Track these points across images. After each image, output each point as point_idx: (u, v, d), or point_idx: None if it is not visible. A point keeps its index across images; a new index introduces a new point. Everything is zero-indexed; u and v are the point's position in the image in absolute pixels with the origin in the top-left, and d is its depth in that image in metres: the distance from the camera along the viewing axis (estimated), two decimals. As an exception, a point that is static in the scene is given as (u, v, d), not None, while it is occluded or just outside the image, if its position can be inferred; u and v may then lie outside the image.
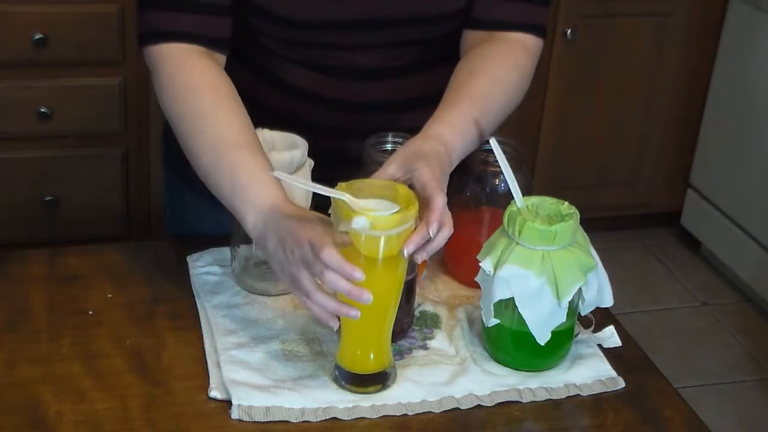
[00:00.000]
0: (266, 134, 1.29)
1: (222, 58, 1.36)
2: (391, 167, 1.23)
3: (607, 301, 1.26)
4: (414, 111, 1.42)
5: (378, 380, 1.18)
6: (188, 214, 1.56)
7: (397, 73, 1.45)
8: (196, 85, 1.29)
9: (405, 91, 1.47)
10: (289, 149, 1.30)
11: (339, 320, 1.14)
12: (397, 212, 1.10)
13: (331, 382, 1.18)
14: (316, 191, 1.13)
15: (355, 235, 1.09)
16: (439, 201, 1.15)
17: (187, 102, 1.29)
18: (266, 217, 1.18)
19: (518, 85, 1.41)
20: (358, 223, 1.07)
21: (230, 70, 1.36)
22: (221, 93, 1.29)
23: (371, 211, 1.09)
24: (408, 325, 1.27)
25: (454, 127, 1.30)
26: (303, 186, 1.15)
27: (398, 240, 1.10)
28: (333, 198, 1.11)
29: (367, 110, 1.46)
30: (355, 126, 1.44)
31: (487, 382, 1.21)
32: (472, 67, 1.38)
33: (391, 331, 1.18)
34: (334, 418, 1.14)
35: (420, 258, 1.15)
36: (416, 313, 1.31)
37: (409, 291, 1.24)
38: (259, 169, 1.22)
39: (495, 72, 1.38)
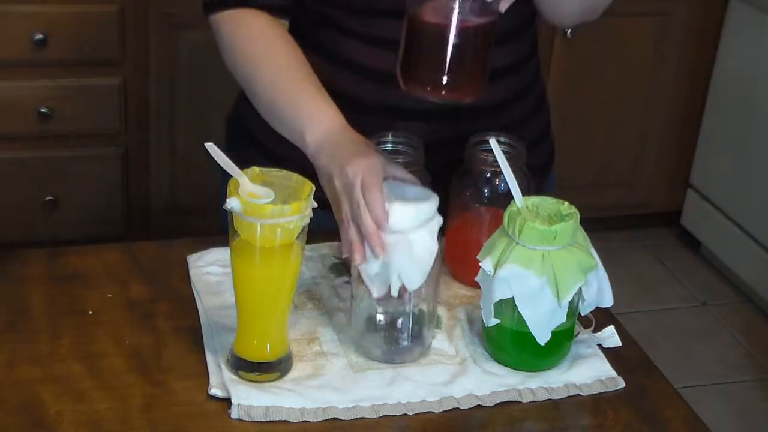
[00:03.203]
0: (394, 185, 1.21)
1: (284, 24, 1.40)
2: None
3: (607, 301, 1.26)
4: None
5: (275, 368, 1.18)
6: None
7: None
8: (254, 35, 1.36)
9: None
10: (417, 202, 1.21)
11: (365, 254, 1.17)
12: (270, 203, 1.10)
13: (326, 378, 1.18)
14: (228, 170, 1.13)
15: (237, 220, 1.11)
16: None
17: (247, 48, 1.36)
18: (326, 132, 1.23)
19: None
20: (231, 203, 1.10)
21: None
22: (277, 36, 1.36)
23: (253, 197, 1.10)
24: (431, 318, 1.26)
25: None
26: (223, 164, 1.15)
27: (274, 231, 1.11)
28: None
29: None
30: (413, 105, 1.36)
31: (487, 382, 1.21)
32: None
33: (286, 320, 1.19)
34: (334, 418, 1.14)
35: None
36: (415, 311, 1.30)
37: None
38: (320, 96, 1.29)
39: None
